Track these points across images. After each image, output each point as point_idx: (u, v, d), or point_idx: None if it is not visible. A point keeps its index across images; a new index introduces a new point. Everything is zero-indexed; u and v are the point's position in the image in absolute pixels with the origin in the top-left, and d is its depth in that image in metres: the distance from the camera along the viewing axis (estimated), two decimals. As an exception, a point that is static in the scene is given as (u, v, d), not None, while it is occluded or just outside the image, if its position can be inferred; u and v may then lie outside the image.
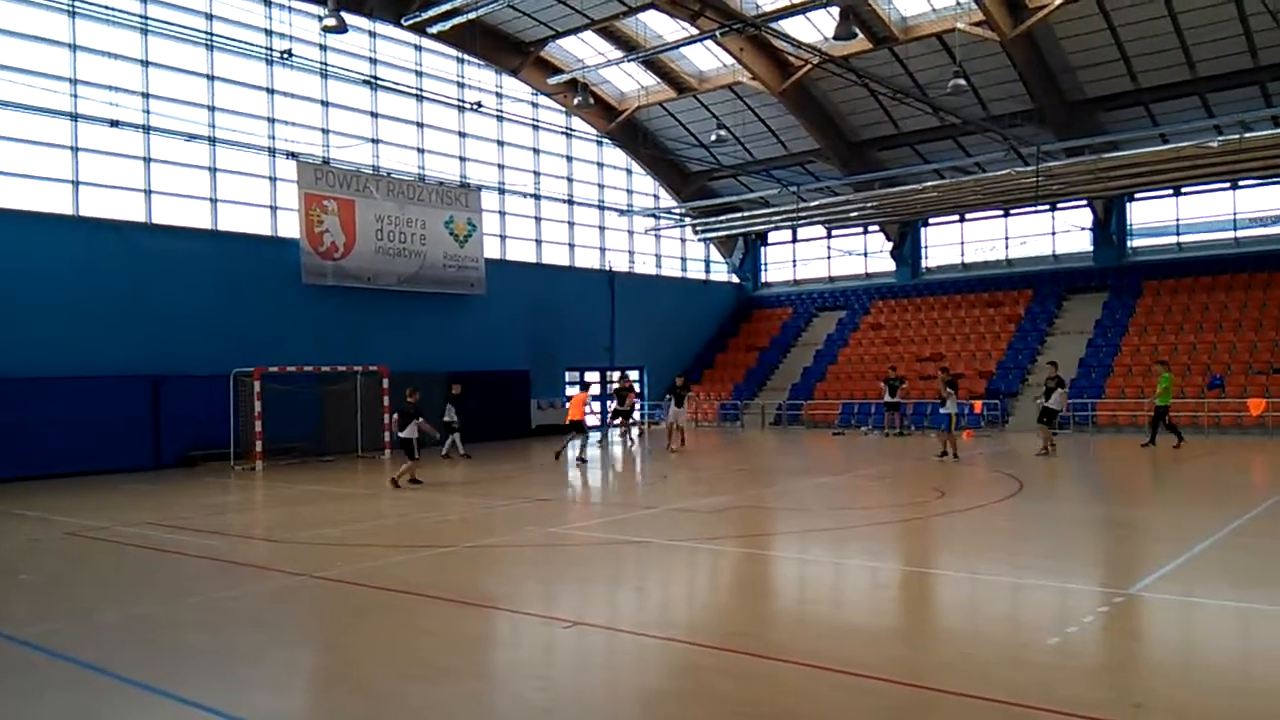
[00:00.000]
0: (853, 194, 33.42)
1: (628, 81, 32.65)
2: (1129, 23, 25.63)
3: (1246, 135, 24.74)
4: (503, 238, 30.63)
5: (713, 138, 30.73)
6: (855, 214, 33.50)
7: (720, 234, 38.42)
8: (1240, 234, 31.05)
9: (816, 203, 33.94)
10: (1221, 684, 5.52)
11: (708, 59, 30.99)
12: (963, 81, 22.88)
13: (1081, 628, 6.51)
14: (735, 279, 41.54)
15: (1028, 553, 9.90)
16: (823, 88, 30.89)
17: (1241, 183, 30.03)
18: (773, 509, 13.37)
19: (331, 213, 24.25)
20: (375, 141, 26.85)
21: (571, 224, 33.41)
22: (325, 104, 25.74)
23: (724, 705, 5.21)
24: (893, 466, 18.90)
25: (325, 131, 25.70)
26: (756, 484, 16.48)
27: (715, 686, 5.57)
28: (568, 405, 21.39)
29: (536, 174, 31.90)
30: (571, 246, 33.41)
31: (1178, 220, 32.30)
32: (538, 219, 32.10)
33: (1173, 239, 32.47)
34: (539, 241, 32.10)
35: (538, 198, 32.00)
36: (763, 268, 42.04)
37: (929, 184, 31.13)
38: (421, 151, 28.04)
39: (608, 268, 34.56)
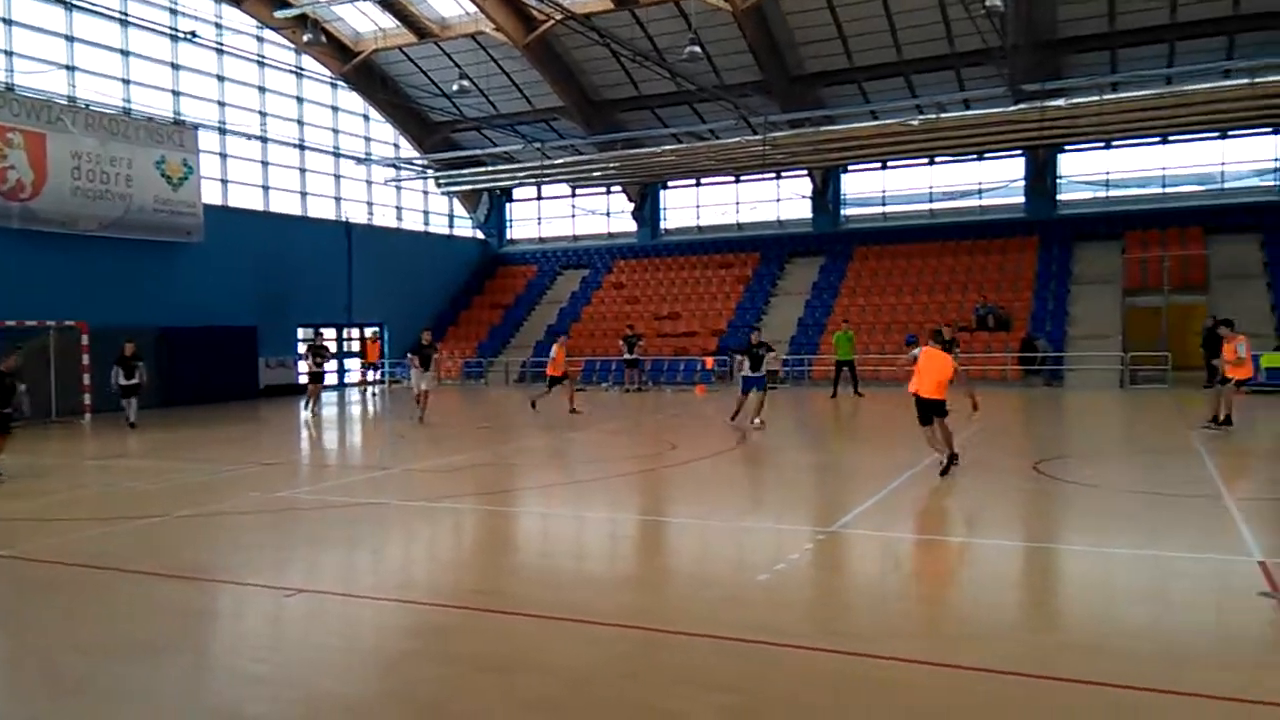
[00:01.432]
0: (596, 154, 33.86)
1: (364, 21, 31.06)
2: (846, 3, 27.57)
3: (941, 116, 27.48)
4: (224, 182, 28.36)
5: (455, 88, 29.99)
6: (599, 174, 34.02)
7: (464, 188, 37.70)
8: (935, 206, 34.60)
9: (561, 160, 34.09)
10: (906, 609, 6.22)
11: (450, 5, 30.11)
12: (698, 49, 23.74)
13: (789, 564, 7.10)
14: (480, 235, 41.00)
15: (746, 498, 10.63)
16: (567, 44, 30.94)
17: (938, 159, 33.37)
18: (515, 465, 13.46)
19: (17, 147, 21.33)
20: (71, 69, 23.89)
21: (304, 171, 31.53)
22: (8, 22, 22.56)
23: (460, 663, 5.22)
24: (632, 421, 19.56)
25: (8, 54, 22.55)
26: (499, 441, 16.51)
27: (453, 645, 5.56)
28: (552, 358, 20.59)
29: (263, 114, 29.72)
30: (304, 195, 31.55)
31: (884, 192, 35.46)
32: (265, 163, 29.98)
33: (879, 209, 35.62)
34: (266, 188, 30.04)
35: (264, 140, 29.86)
36: (508, 224, 41.76)
37: (667, 148, 32.18)
38: (127, 83, 25.29)
39: (344, 219, 32.98)
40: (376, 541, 8.65)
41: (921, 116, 27.93)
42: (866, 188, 35.92)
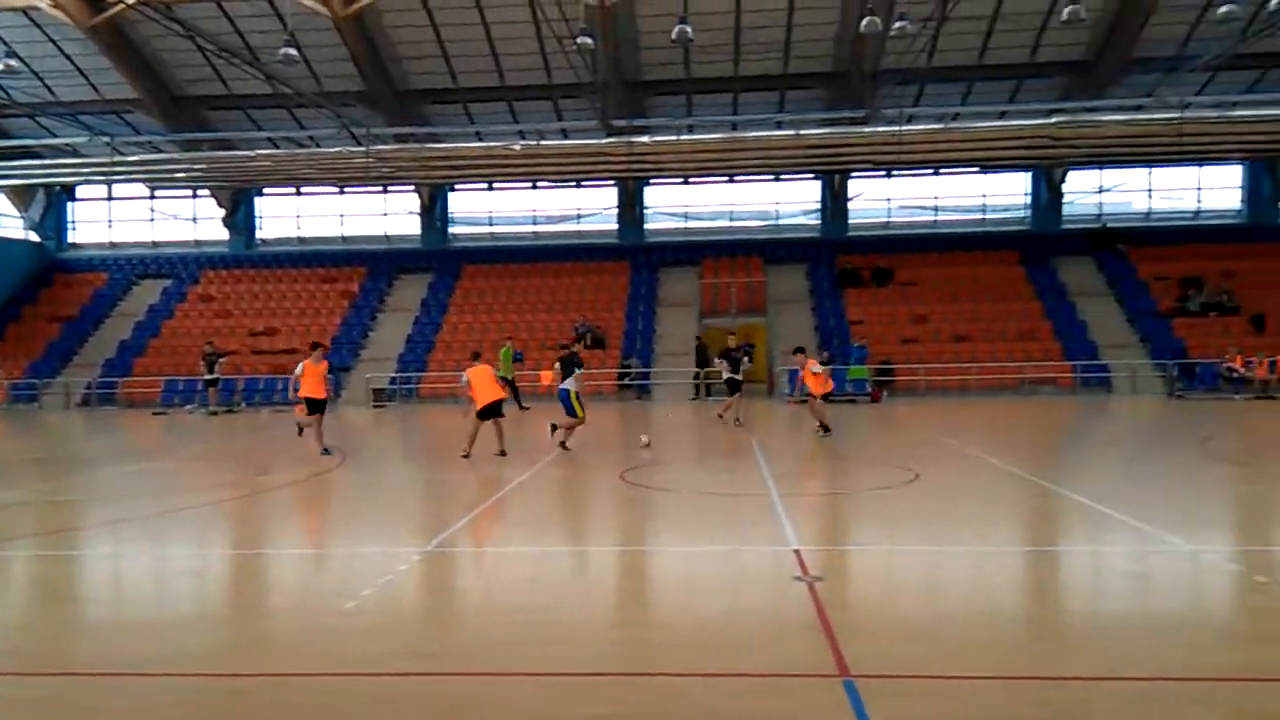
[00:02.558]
0: (179, 153, 30.94)
1: None
2: (450, 24, 27.88)
3: (542, 143, 28.74)
4: None
5: (1, 67, 25.81)
6: (182, 175, 31.11)
7: (14, 182, 32.52)
8: (539, 228, 36.09)
9: (136, 158, 30.70)
10: (500, 621, 6.37)
11: (-10, -30, 25.89)
12: (294, 51, 22.63)
13: (379, 588, 6.96)
14: (34, 236, 35.57)
15: (340, 522, 10.27)
16: (143, 32, 28.00)
17: (540, 183, 34.82)
18: (77, 501, 11.79)
19: None
20: None
21: None
22: None
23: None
24: (213, 446, 18.06)
25: None
26: (55, 474, 14.38)
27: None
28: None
29: None
30: None
31: (491, 212, 36.31)
32: None
33: (487, 228, 36.39)
34: None
35: None
36: (69, 226, 36.75)
37: (263, 153, 30.30)
38: None
39: None
40: None
41: (524, 142, 28.98)
42: (474, 207, 36.53)
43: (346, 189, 35.33)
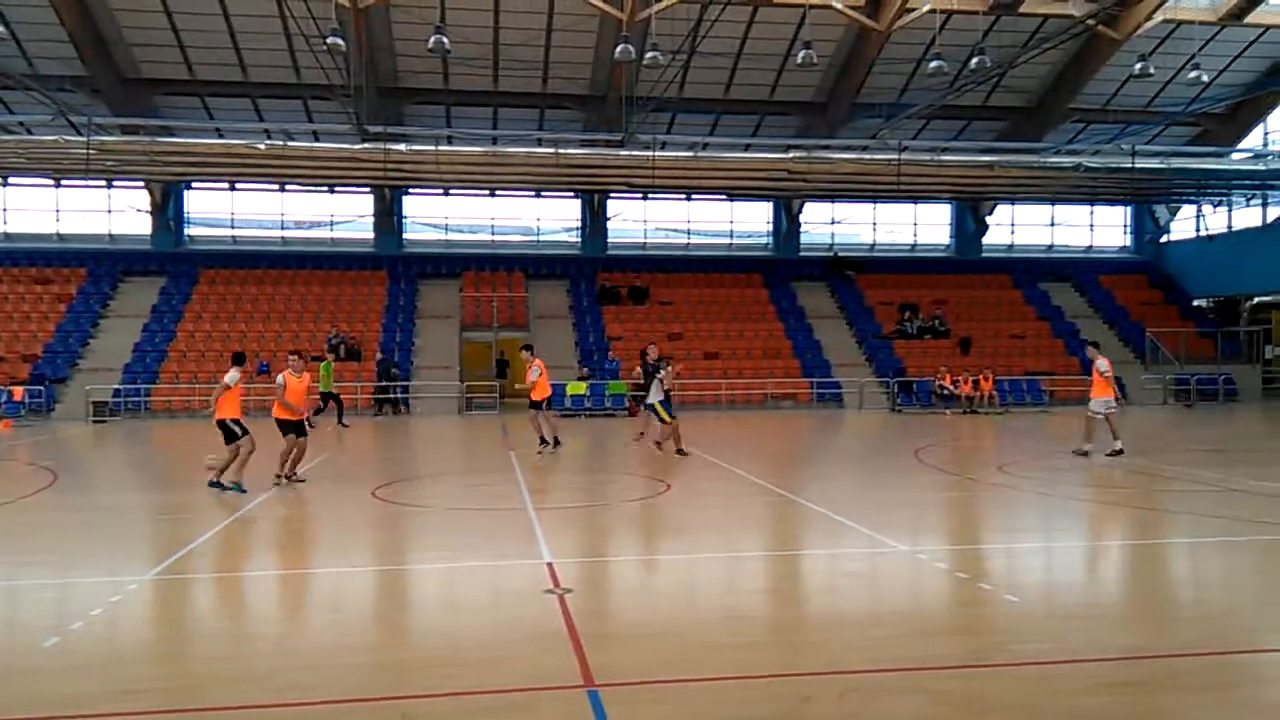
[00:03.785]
0: None
1: None
2: (184, 11, 26.02)
3: (290, 144, 27.31)
4: None
5: None
6: None
7: None
8: (287, 234, 34.24)
9: None
10: (235, 650, 5.93)
11: None
12: (2, 30, 20.18)
13: (89, 621, 6.31)
14: None
15: (46, 549, 9.23)
16: None
17: (289, 186, 33.08)
18: None
19: None
20: None
21: None
22: None
23: None
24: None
25: None
26: None
27: None
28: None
29: None
30: None
31: (233, 214, 34.04)
32: None
33: (229, 231, 34.07)
34: None
35: None
36: None
37: (-41, 136, 26.74)
38: None
39: None
40: None
41: (270, 141, 27.41)
42: (214, 208, 34.10)
43: (63, 182, 31.88)
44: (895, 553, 8.58)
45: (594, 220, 35.35)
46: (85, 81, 27.42)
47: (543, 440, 16.72)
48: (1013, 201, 37.00)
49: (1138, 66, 24.07)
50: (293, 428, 12.60)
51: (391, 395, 27.10)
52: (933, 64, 22.84)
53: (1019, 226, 38.67)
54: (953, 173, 30.12)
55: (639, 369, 16.83)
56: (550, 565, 7.87)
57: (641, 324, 31.75)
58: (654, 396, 15.92)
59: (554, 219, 36.06)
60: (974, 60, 23.76)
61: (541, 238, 35.88)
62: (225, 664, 5.60)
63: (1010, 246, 38.48)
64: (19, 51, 26.08)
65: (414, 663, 5.64)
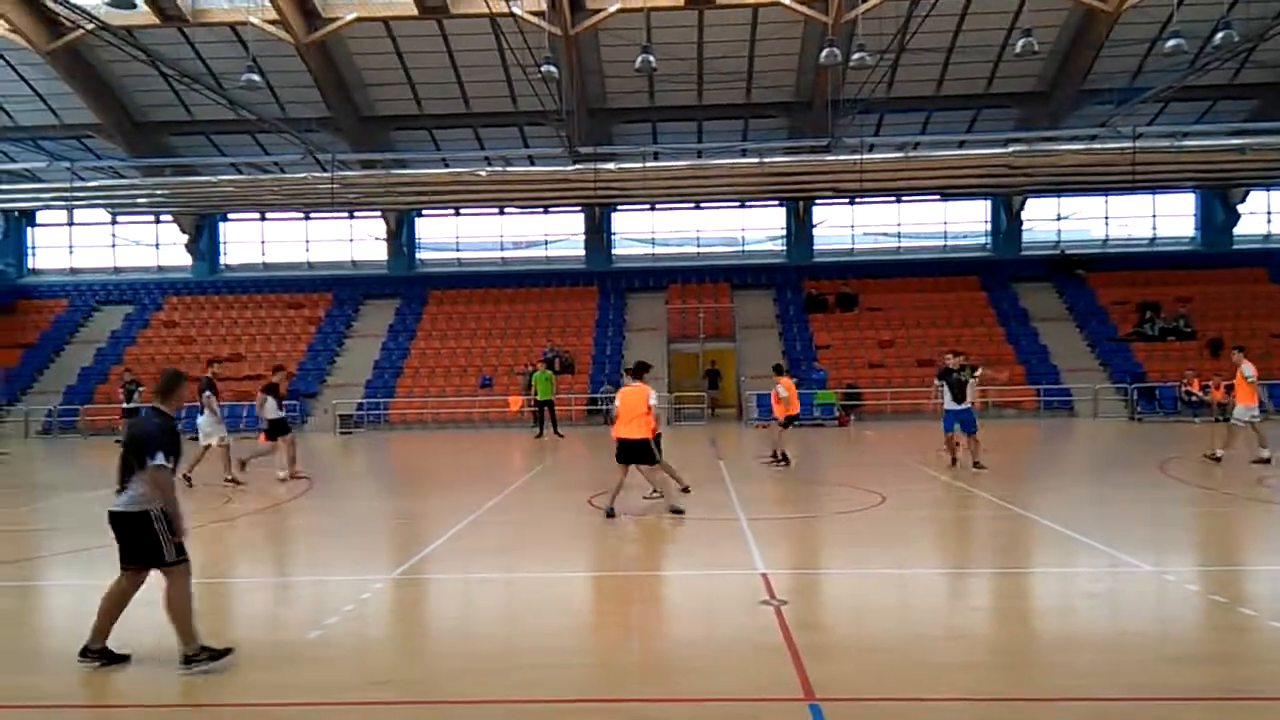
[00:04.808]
0: (141, 178, 30.69)
1: None
2: (414, 51, 27.98)
3: (508, 169, 28.81)
4: None
5: (-45, 91, 25.54)
6: (144, 200, 30.80)
7: (-32, 208, 32.09)
8: (506, 254, 36.11)
9: (97, 183, 30.41)
10: (466, 648, 6.33)
11: (-52, -5, 25.61)
12: (257, 78, 22.57)
13: (342, 617, 6.90)
14: (-9, 263, 35.09)
15: (311, 549, 10.16)
16: (103, 57, 27.83)
17: (507, 209, 34.87)
18: (37, 531, 11.57)
19: None
20: None
21: None
22: None
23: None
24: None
25: None
26: (8, 502, 14.09)
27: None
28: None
29: None
30: None
31: (458, 237, 36.30)
32: None
33: (454, 254, 36.35)
34: None
35: None
36: (29, 251, 36.24)
37: (226, 178, 30.10)
38: None
39: None
40: None
41: (490, 168, 29.03)
42: (441, 233, 36.50)
43: (312, 215, 35.16)
44: (1139, 573, 7.93)
45: (799, 227, 35.00)
46: (329, 122, 30.14)
47: (775, 457, 16.47)
48: (1268, 187, 33.37)
49: None
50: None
51: (601, 408, 27.91)
52: (1170, 43, 21.00)
53: (1277, 214, 34.80)
54: (1196, 158, 27.55)
55: (935, 382, 16.10)
56: (765, 576, 7.84)
57: (850, 331, 31.07)
58: (956, 404, 14.84)
59: (759, 229, 36.01)
60: (1219, 35, 21.61)
61: (746, 248, 35.93)
62: (458, 659, 5.97)
63: (1267, 237, 34.72)
64: (273, 98, 29.02)
65: (636, 667, 5.77)
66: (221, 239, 36.56)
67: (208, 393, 14.57)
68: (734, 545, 9.35)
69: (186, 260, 35.99)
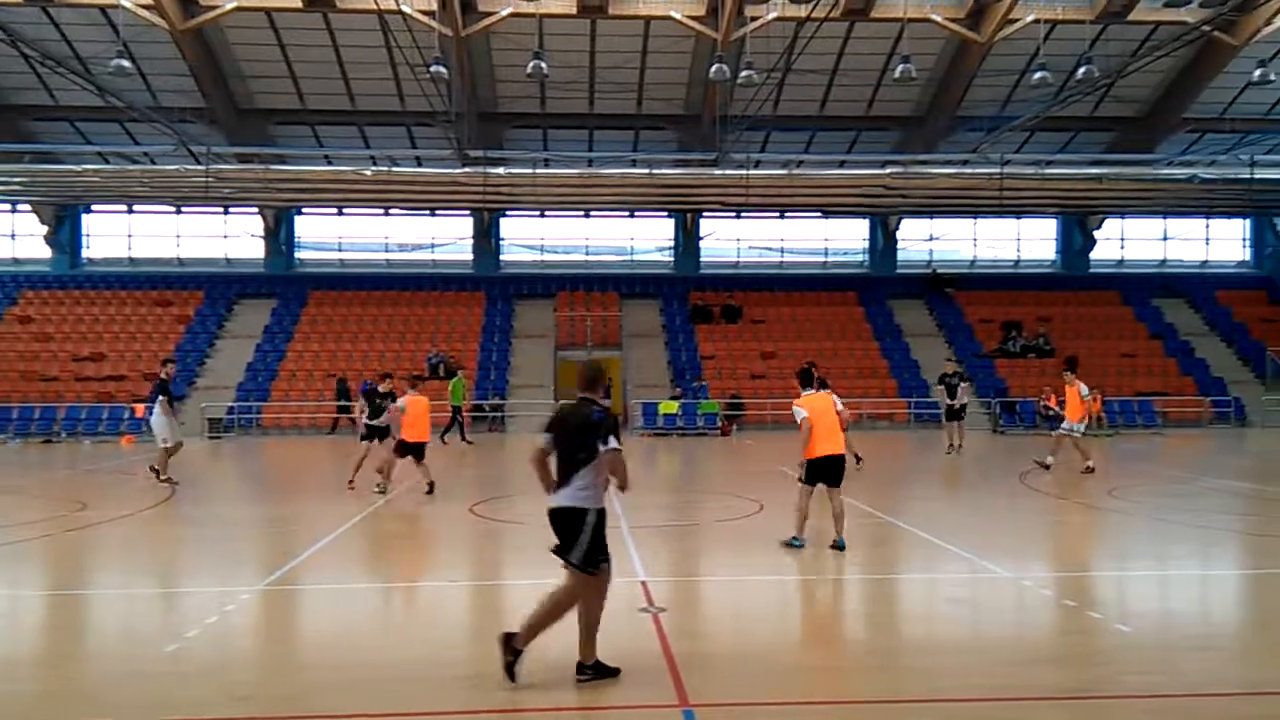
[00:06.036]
0: (-6, 165, 28.75)
1: None
2: (297, 44, 27.18)
3: (394, 169, 28.22)
4: None
5: None
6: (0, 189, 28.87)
7: None
8: (391, 256, 35.37)
9: (-57, 168, 28.29)
10: (329, 660, 6.13)
11: None
12: (128, 64, 21.47)
13: (203, 629, 6.60)
14: None
15: (168, 560, 9.69)
16: (-46, 33, 25.94)
17: (392, 210, 34.15)
18: None
19: None
20: None
21: None
22: None
23: None
24: (37, 478, 16.75)
25: None
26: None
27: None
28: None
29: None
30: None
31: (340, 238, 35.35)
32: None
33: (336, 254, 35.38)
34: None
35: None
36: None
37: (91, 167, 28.50)
38: None
39: None
40: None
41: (375, 167, 28.38)
42: (322, 232, 35.47)
43: (183, 209, 33.63)
44: (998, 578, 8.32)
45: (687, 239, 35.45)
46: (204, 113, 28.92)
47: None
48: (1123, 215, 35.66)
49: (1256, 73, 23.00)
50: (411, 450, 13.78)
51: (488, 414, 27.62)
52: (1037, 75, 22.27)
53: (1130, 241, 37.23)
54: (1058, 186, 29.20)
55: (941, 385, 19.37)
56: (644, 584, 7.88)
57: (734, 342, 31.63)
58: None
59: (647, 239, 36.32)
60: (1081, 70, 23.01)
61: (635, 257, 36.17)
62: (327, 672, 5.79)
63: (1120, 262, 37.06)
64: (144, 85, 27.66)
65: (496, 676, 5.71)
66: (84, 231, 34.61)
67: (161, 396, 14.84)
68: (615, 553, 9.35)
69: (46, 253, 33.93)
